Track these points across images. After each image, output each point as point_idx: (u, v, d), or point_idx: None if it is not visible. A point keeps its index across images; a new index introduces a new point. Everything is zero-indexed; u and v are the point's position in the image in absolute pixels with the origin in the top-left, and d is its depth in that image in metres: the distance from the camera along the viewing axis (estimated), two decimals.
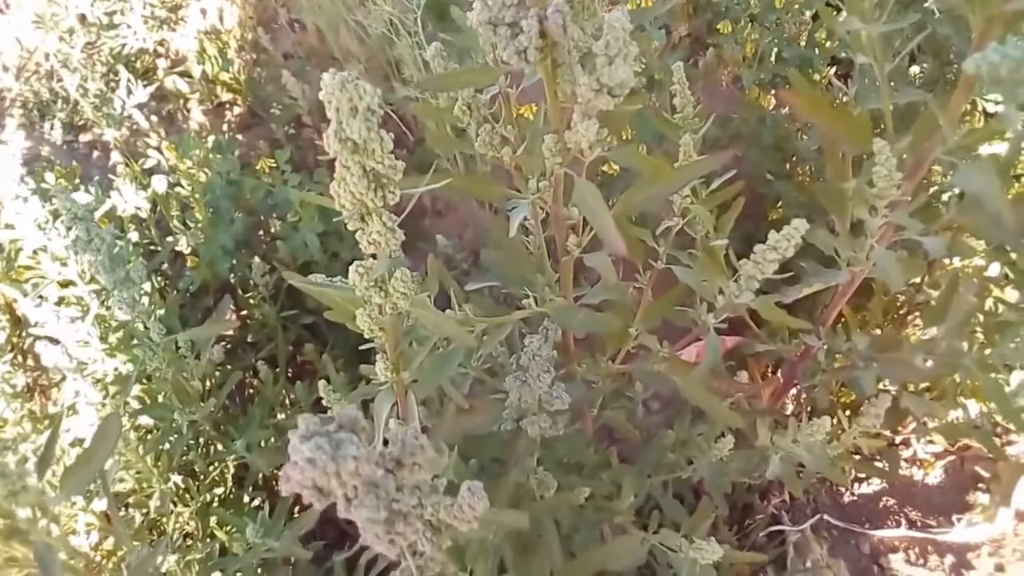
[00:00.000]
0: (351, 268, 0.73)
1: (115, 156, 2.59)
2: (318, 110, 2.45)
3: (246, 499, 1.68)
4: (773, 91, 2.12)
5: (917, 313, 1.85)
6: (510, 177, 1.02)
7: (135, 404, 1.56)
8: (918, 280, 1.79)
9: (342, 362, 1.75)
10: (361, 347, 2.00)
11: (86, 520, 1.48)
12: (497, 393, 1.21)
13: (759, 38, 2.02)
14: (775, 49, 2.04)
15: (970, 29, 1.44)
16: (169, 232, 2.07)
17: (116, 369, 1.53)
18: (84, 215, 1.12)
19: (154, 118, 2.59)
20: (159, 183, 1.97)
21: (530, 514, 0.89)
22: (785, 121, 2.02)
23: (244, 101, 2.75)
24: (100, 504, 1.49)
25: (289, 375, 2.02)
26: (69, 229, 1.28)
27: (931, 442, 1.92)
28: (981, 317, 1.41)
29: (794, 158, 2.03)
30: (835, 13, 1.20)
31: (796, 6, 2.02)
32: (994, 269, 1.69)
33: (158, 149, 2.20)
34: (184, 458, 1.58)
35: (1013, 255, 1.66)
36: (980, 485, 1.88)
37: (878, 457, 1.87)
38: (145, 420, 1.56)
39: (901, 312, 1.85)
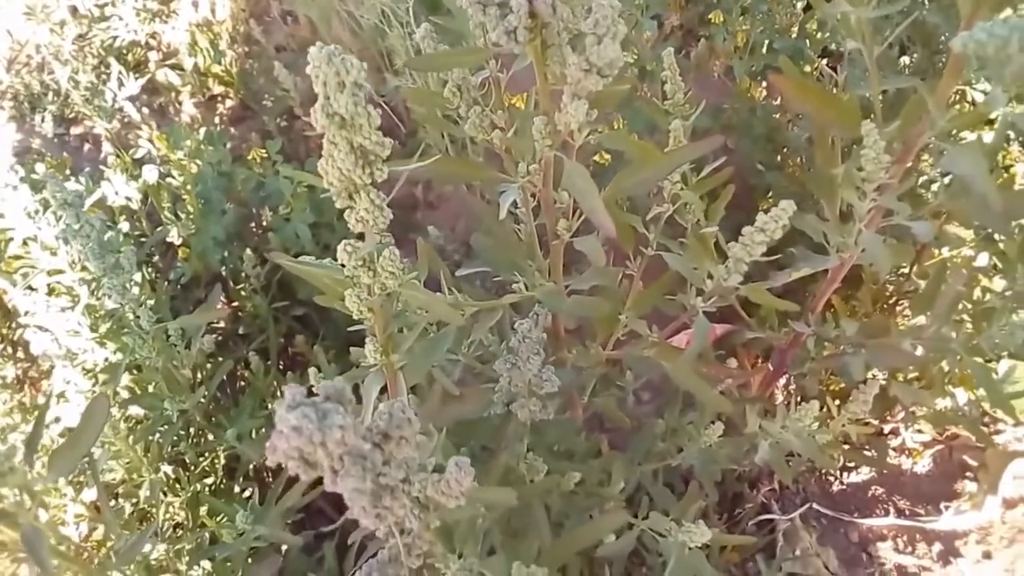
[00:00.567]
0: (339, 247, 0.73)
1: (106, 149, 2.58)
2: (310, 102, 2.44)
3: (236, 489, 1.68)
4: (763, 83, 2.13)
5: (905, 303, 1.86)
6: (501, 164, 1.02)
7: (125, 394, 1.55)
8: (906, 269, 1.80)
9: (333, 353, 1.75)
10: (352, 338, 2.00)
11: (75, 511, 1.48)
12: (488, 382, 1.22)
13: (751, 29, 2.03)
14: (767, 40, 2.04)
15: (960, 17, 1.46)
16: (160, 224, 2.07)
17: (106, 359, 1.52)
18: (73, 201, 1.12)
19: (145, 111, 2.58)
20: (150, 173, 1.97)
21: (520, 498, 0.90)
22: (776, 112, 2.03)
23: (236, 94, 2.74)
24: (89, 495, 1.49)
25: (280, 367, 2.01)
26: (59, 217, 1.28)
27: (919, 431, 1.93)
28: (968, 305, 1.42)
29: (785, 149, 2.04)
30: None
31: None
32: (982, 259, 1.70)
33: (149, 140, 2.20)
34: (174, 448, 1.58)
35: (1001, 245, 1.68)
36: (968, 474, 1.90)
37: (867, 446, 1.88)
38: (135, 410, 1.56)
39: (889, 301, 1.86)
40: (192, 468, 1.60)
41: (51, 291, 1.62)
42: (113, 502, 1.51)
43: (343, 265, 0.75)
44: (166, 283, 2.00)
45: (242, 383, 1.97)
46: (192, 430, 1.61)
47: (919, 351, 1.29)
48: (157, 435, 1.49)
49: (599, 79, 0.76)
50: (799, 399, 1.32)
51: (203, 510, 1.48)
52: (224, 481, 1.66)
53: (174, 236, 1.98)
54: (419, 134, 2.24)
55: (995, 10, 0.89)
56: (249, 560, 1.42)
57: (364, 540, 1.21)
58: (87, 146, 2.68)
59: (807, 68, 2.02)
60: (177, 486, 1.55)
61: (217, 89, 2.80)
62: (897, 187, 1.08)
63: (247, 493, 1.68)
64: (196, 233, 1.95)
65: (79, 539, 1.45)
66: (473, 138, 2.07)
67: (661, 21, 2.22)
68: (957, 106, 1.59)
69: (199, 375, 1.59)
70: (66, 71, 2.56)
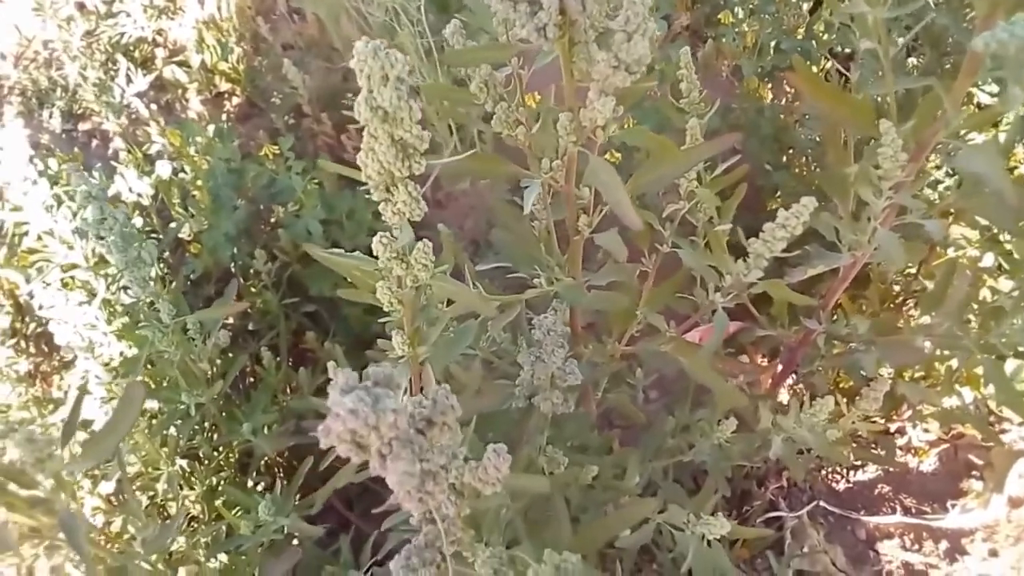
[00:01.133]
0: (375, 239, 0.74)
1: (114, 145, 2.59)
2: (318, 100, 2.45)
3: (250, 484, 1.69)
4: (770, 83, 2.15)
5: (912, 302, 1.88)
6: (519, 158, 1.03)
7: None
8: (914, 269, 1.82)
9: (343, 351, 1.76)
10: (362, 335, 2.00)
11: (92, 503, 1.49)
12: (502, 376, 1.23)
13: (759, 29, 2.04)
14: (774, 41, 2.06)
15: (967, 20, 1.47)
16: (170, 220, 2.08)
17: (121, 353, 1.53)
18: (98, 194, 1.13)
19: (153, 107, 2.59)
20: (163, 168, 1.98)
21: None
22: (783, 112, 2.04)
23: (243, 91, 2.75)
24: (106, 488, 1.50)
25: (290, 363, 2.03)
26: (79, 210, 1.29)
27: (926, 430, 1.95)
28: (975, 305, 1.44)
29: (791, 149, 2.05)
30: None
31: None
32: (988, 260, 1.72)
33: (162, 135, 2.21)
34: (189, 442, 1.59)
35: (1008, 245, 1.70)
36: (974, 472, 1.91)
37: (874, 444, 1.90)
38: (151, 404, 1.57)
39: (896, 300, 1.88)
40: (207, 462, 1.61)
41: (65, 285, 1.63)
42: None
43: (376, 257, 0.77)
44: (176, 279, 2.01)
45: (251, 379, 1.98)
46: (207, 424, 1.63)
47: (928, 346, 1.31)
48: (173, 429, 1.50)
49: (627, 75, 0.78)
50: (810, 396, 1.33)
51: (219, 503, 1.49)
52: (238, 475, 1.67)
53: (185, 232, 1.99)
54: (427, 131, 2.25)
55: (1012, 12, 0.91)
56: (263, 552, 1.43)
57: (380, 535, 1.23)
58: (95, 142, 2.69)
59: (814, 69, 2.04)
60: (192, 479, 1.56)
61: (224, 86, 2.81)
62: (912, 185, 1.09)
63: (260, 487, 1.69)
64: (208, 229, 1.96)
65: (96, 531, 1.46)
66: (482, 133, 2.09)
67: (670, 22, 2.23)
68: (965, 106, 1.61)
69: (213, 369, 1.60)
70: (74, 67, 2.57)
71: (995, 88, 1.65)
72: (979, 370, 1.70)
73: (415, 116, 0.62)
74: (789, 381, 1.90)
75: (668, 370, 1.20)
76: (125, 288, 1.39)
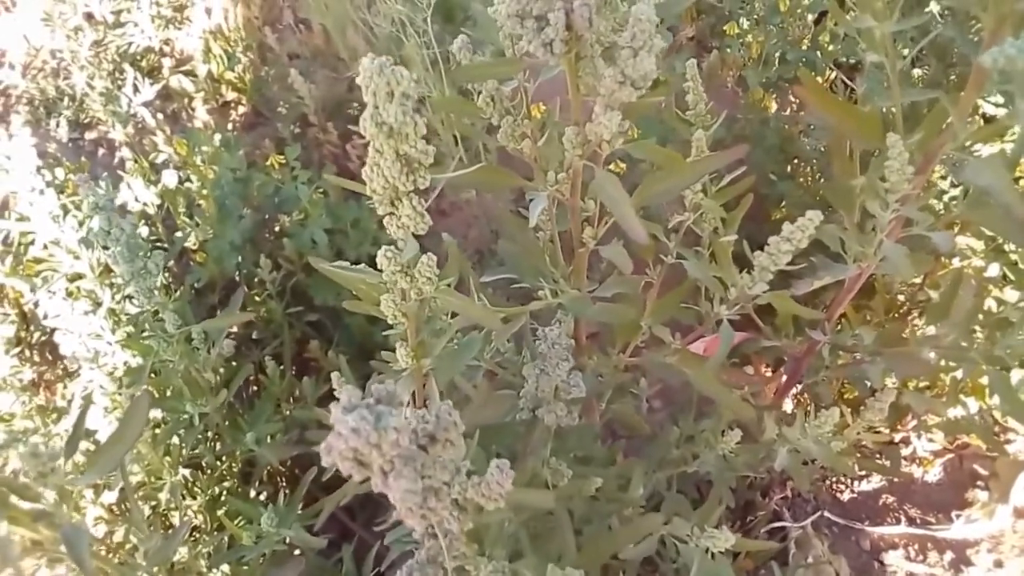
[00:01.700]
0: (380, 253, 0.74)
1: (121, 154, 2.60)
2: (324, 110, 2.46)
3: (252, 493, 1.69)
4: (776, 94, 2.15)
5: (917, 313, 1.87)
6: (523, 170, 1.03)
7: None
8: (919, 280, 1.82)
9: (346, 360, 1.76)
10: (365, 345, 2.00)
11: (95, 513, 1.49)
12: (506, 387, 1.23)
13: (764, 40, 2.05)
14: (779, 51, 2.06)
15: (973, 32, 1.47)
16: (176, 229, 2.08)
17: (126, 362, 1.53)
18: (105, 204, 1.13)
19: (160, 116, 2.60)
20: (169, 177, 1.98)
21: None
22: (788, 123, 2.04)
23: (249, 100, 2.76)
24: (108, 497, 1.50)
25: (294, 372, 2.03)
26: (85, 220, 1.29)
27: (931, 440, 1.94)
28: (981, 316, 1.43)
29: (796, 160, 2.05)
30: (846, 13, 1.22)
31: (799, 9, 2.04)
32: (993, 270, 1.72)
33: (168, 142, 2.21)
34: (192, 452, 1.59)
35: (1014, 256, 1.69)
36: (979, 483, 1.91)
37: (879, 455, 1.89)
38: (154, 413, 1.57)
39: (902, 311, 1.87)
40: (210, 471, 1.61)
41: (70, 294, 1.64)
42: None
43: (380, 270, 0.77)
44: (180, 288, 2.01)
45: (255, 388, 1.99)
46: (210, 434, 1.62)
47: (934, 357, 1.31)
48: (176, 438, 1.50)
49: (633, 91, 0.78)
50: (815, 407, 1.33)
51: (221, 513, 1.49)
52: (240, 485, 1.67)
53: (191, 241, 1.99)
54: (432, 141, 2.26)
55: (1019, 26, 0.91)
56: (266, 563, 1.43)
57: (383, 546, 1.22)
58: (101, 151, 2.70)
59: (819, 80, 2.04)
60: (195, 489, 1.56)
61: (230, 96, 2.82)
62: (918, 198, 1.09)
63: (262, 497, 1.69)
64: (213, 238, 1.96)
65: (99, 540, 1.46)
66: (486, 145, 2.09)
67: (674, 33, 2.24)
68: (970, 119, 1.61)
69: (217, 378, 1.60)
70: (82, 77, 2.58)
71: (1000, 100, 1.64)
72: (984, 381, 1.69)
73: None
74: (793, 391, 1.90)
75: (672, 380, 1.20)
76: (130, 298, 1.39)
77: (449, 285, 0.83)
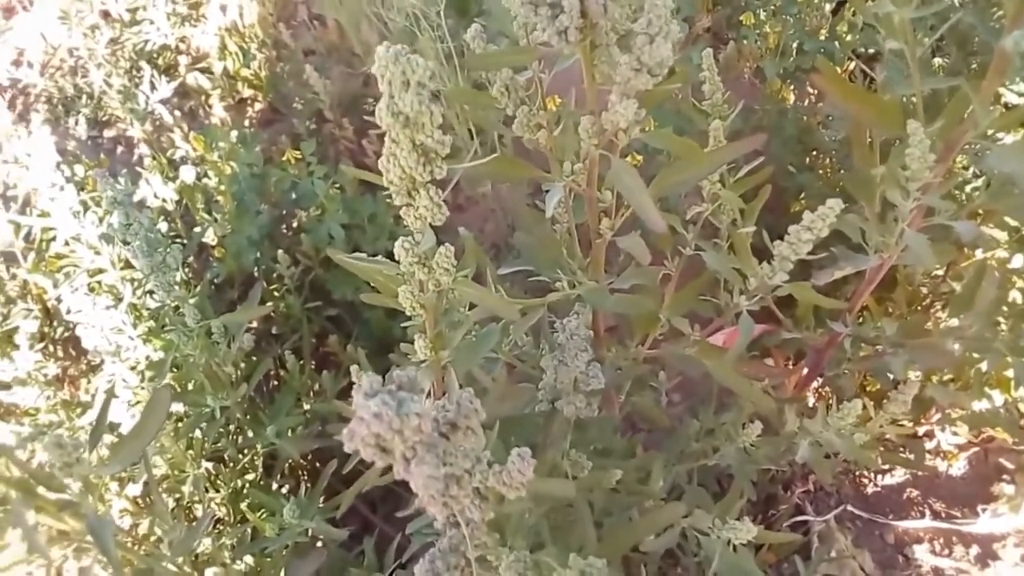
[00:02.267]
0: (397, 244, 0.74)
1: (139, 151, 2.62)
2: (339, 105, 2.47)
3: (274, 486, 1.70)
4: (793, 85, 2.13)
5: (940, 304, 1.85)
6: (539, 161, 1.03)
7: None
8: (941, 271, 1.79)
9: (365, 354, 1.77)
10: (384, 339, 2.01)
11: (120, 506, 1.51)
12: (524, 379, 1.23)
13: (781, 31, 2.03)
14: (796, 42, 2.04)
15: (994, 18, 1.45)
16: (193, 225, 2.10)
17: (147, 357, 1.55)
18: (123, 200, 1.14)
19: (177, 113, 2.62)
20: (188, 173, 2.00)
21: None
22: (806, 113, 2.02)
23: (265, 97, 2.78)
24: (133, 490, 1.52)
25: (313, 366, 2.04)
26: (105, 216, 1.30)
27: (955, 433, 1.92)
28: (1005, 307, 1.41)
29: (815, 150, 2.03)
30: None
31: None
32: (1017, 260, 1.69)
33: (185, 140, 2.23)
34: (214, 445, 1.60)
35: None
36: (1004, 476, 1.88)
37: (902, 448, 1.88)
38: (176, 407, 1.58)
39: (925, 302, 1.85)
40: (232, 464, 1.62)
41: (92, 289, 1.66)
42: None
43: (398, 262, 0.77)
44: (199, 283, 2.03)
45: (275, 382, 2.00)
46: (232, 427, 1.64)
47: (958, 349, 1.29)
48: (199, 431, 1.51)
49: (649, 78, 0.77)
50: (836, 399, 1.32)
51: (244, 505, 1.50)
52: (262, 478, 1.69)
53: (209, 236, 2.01)
54: (447, 134, 2.26)
55: None
56: (288, 554, 1.44)
57: (404, 538, 1.23)
58: (120, 148, 2.72)
59: (838, 70, 2.01)
60: (218, 482, 1.57)
61: (246, 92, 2.84)
62: (940, 187, 1.08)
63: (284, 490, 1.70)
64: (231, 233, 1.98)
65: (124, 532, 1.48)
66: (502, 137, 2.08)
67: (690, 24, 2.22)
68: (993, 106, 1.59)
69: (237, 372, 1.62)
70: (100, 75, 2.61)
71: (1023, 87, 1.62)
72: (1009, 373, 1.67)
73: (436, 121, 0.62)
74: (815, 384, 1.88)
75: (691, 372, 1.19)
76: (151, 292, 1.40)
77: (466, 276, 0.83)
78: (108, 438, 1.49)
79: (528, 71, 0.96)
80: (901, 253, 1.15)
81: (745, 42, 2.17)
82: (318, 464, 1.84)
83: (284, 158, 2.15)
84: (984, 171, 1.59)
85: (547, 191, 0.97)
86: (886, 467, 1.91)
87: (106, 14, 2.82)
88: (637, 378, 1.45)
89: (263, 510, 1.46)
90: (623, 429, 1.81)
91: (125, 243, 1.22)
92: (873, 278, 1.30)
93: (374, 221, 2.07)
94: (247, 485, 1.61)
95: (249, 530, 1.43)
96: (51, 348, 1.84)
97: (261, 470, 1.68)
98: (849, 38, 2.04)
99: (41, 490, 0.78)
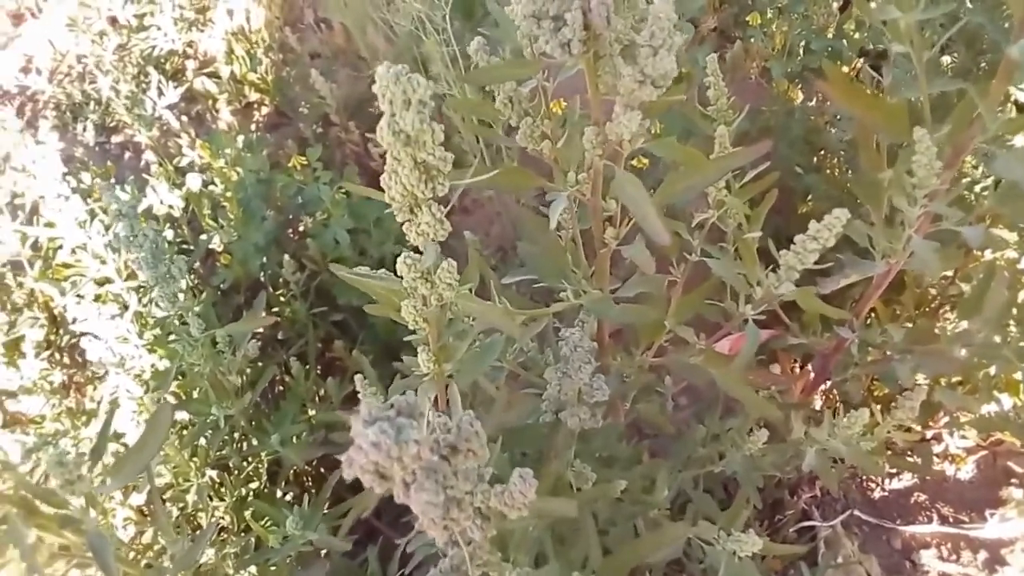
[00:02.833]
0: (399, 260, 0.74)
1: (146, 157, 2.63)
2: (346, 109, 2.47)
3: (279, 494, 1.70)
4: (801, 85, 2.12)
5: (949, 307, 1.83)
6: (543, 170, 1.02)
7: (171, 400, 1.58)
8: (949, 274, 1.78)
9: (371, 359, 1.77)
10: (390, 344, 2.00)
11: (124, 515, 1.51)
12: (529, 388, 1.22)
13: (788, 30, 2.01)
14: (804, 41, 2.03)
15: (1003, 18, 1.43)
16: (200, 231, 2.10)
17: (152, 365, 1.55)
18: (128, 211, 1.14)
19: (184, 119, 2.62)
20: (194, 181, 2.00)
21: None
22: (814, 114, 2.01)
23: (272, 101, 2.78)
24: (137, 499, 1.52)
25: (318, 372, 2.04)
26: (110, 226, 1.30)
27: (963, 437, 1.91)
28: (1014, 311, 1.40)
29: (823, 152, 2.02)
30: (869, 1, 1.20)
31: None
32: None
33: (192, 146, 2.23)
34: (219, 453, 1.60)
35: None
36: (1013, 480, 1.87)
37: (910, 452, 1.86)
38: (181, 416, 1.58)
39: (932, 306, 1.84)
40: (236, 473, 1.62)
41: (98, 298, 1.66)
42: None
43: (400, 277, 0.76)
44: (205, 290, 2.03)
45: (280, 388, 2.00)
46: (236, 435, 1.64)
47: (965, 355, 1.28)
48: (203, 440, 1.51)
49: (653, 90, 0.76)
50: (844, 405, 1.31)
51: (248, 514, 1.50)
52: (267, 486, 1.68)
53: (216, 243, 2.01)
54: (453, 139, 2.25)
55: None
56: (292, 564, 1.44)
57: (408, 548, 1.22)
58: (127, 154, 2.73)
59: (845, 69, 2.00)
60: (222, 490, 1.57)
61: (253, 96, 2.84)
62: (947, 193, 1.07)
63: (288, 498, 1.70)
64: (238, 240, 1.98)
65: (127, 542, 1.48)
66: (508, 146, 2.08)
67: (696, 24, 2.21)
68: (1001, 109, 1.57)
69: (242, 380, 1.62)
70: (107, 81, 2.61)
71: None
72: (1018, 376, 1.66)
73: (438, 139, 0.62)
74: (822, 389, 1.87)
75: (697, 378, 1.18)
76: (156, 301, 1.40)
77: (470, 290, 0.82)
78: (113, 446, 1.49)
79: (532, 81, 0.95)
80: (908, 259, 1.14)
81: (752, 41, 2.16)
82: (323, 471, 1.84)
83: (290, 163, 2.15)
84: (993, 174, 1.58)
85: (551, 200, 0.97)
86: (893, 471, 1.90)
87: (114, 20, 2.82)
88: (643, 386, 1.44)
89: (267, 519, 1.46)
90: (629, 436, 1.80)
91: (130, 254, 1.22)
92: (880, 283, 1.28)
93: (380, 226, 2.07)
94: (251, 493, 1.60)
95: (253, 540, 1.43)
96: (57, 356, 1.84)
97: (265, 478, 1.68)
98: (857, 36, 2.03)
99: (43, 506, 0.78)
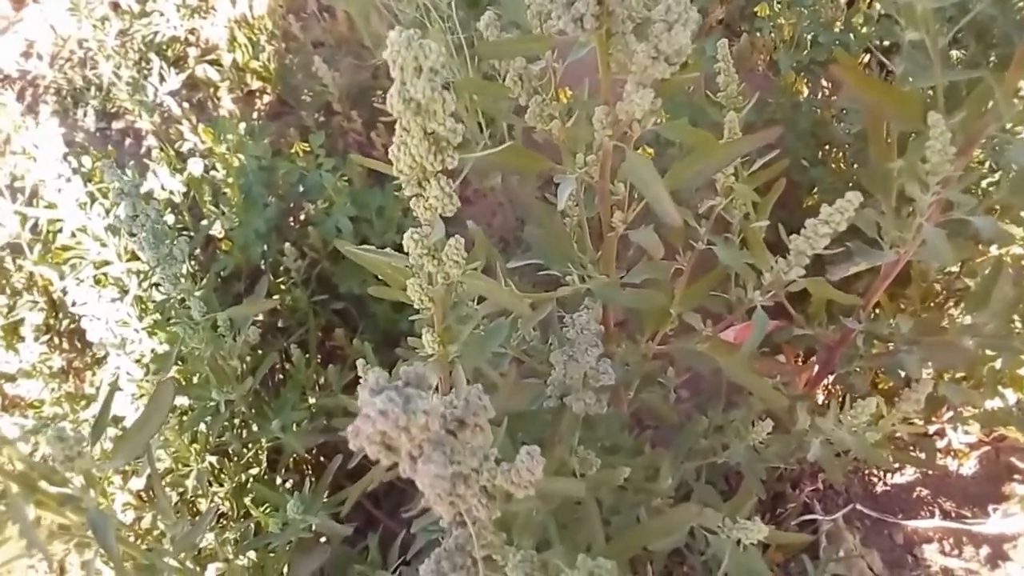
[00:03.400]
0: (406, 235, 0.73)
1: (147, 143, 2.61)
2: (348, 97, 2.45)
3: (279, 481, 1.69)
4: (808, 78, 2.10)
5: (955, 301, 1.83)
6: (550, 153, 1.01)
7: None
8: (956, 268, 1.77)
9: (371, 347, 1.76)
10: (390, 332, 1.99)
11: (123, 499, 1.50)
12: (533, 375, 1.21)
13: (795, 22, 2.00)
14: (811, 34, 2.02)
15: (1016, 10, 1.42)
16: (201, 217, 2.09)
17: (152, 349, 1.54)
18: (130, 191, 1.13)
19: (185, 105, 2.60)
20: (195, 166, 1.98)
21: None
22: (820, 106, 2.00)
23: (274, 89, 2.76)
24: (137, 483, 1.51)
25: (319, 360, 2.03)
26: (112, 207, 1.29)
27: (967, 432, 1.90)
28: (1021, 305, 1.39)
29: (829, 144, 2.01)
30: None
31: None
32: None
33: (194, 132, 2.22)
34: (219, 438, 1.59)
35: None
36: (1016, 476, 1.86)
37: (913, 447, 1.85)
38: (181, 400, 1.57)
39: (939, 299, 1.83)
40: (236, 459, 1.61)
41: (98, 282, 1.65)
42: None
43: (406, 253, 0.75)
44: (205, 276, 2.01)
45: (280, 375, 1.99)
46: (236, 421, 1.63)
47: (972, 347, 1.27)
48: (203, 425, 1.50)
49: (667, 67, 0.75)
50: (848, 397, 1.30)
51: (248, 500, 1.49)
52: (266, 472, 1.67)
53: (217, 229, 1.99)
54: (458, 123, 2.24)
55: None
56: (291, 550, 1.43)
57: (408, 535, 1.21)
58: (128, 140, 2.71)
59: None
60: (222, 476, 1.56)
61: (255, 84, 2.82)
62: (959, 181, 1.06)
63: (288, 485, 1.69)
64: (239, 226, 1.97)
65: (127, 526, 1.47)
66: (512, 128, 2.06)
67: (704, 15, 2.20)
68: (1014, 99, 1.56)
69: (243, 366, 1.60)
70: (108, 66, 2.59)
71: None
72: (1023, 371, 1.65)
73: (448, 108, 0.60)
74: (826, 381, 1.86)
75: (701, 369, 1.17)
76: (157, 285, 1.39)
77: (476, 270, 0.81)
78: (112, 431, 1.48)
79: (541, 60, 0.94)
80: (918, 248, 1.13)
81: (759, 34, 2.14)
82: (323, 459, 1.83)
83: (292, 150, 2.13)
84: (1001, 165, 1.57)
85: (558, 183, 0.96)
86: (896, 466, 1.89)
87: (116, 6, 2.80)
88: (647, 374, 1.43)
89: (267, 505, 1.45)
90: (632, 425, 1.79)
91: (131, 235, 1.20)
92: (888, 273, 1.27)
93: (382, 214, 2.06)
94: (251, 479, 1.59)
95: (253, 525, 1.42)
96: (56, 340, 1.83)
97: (265, 464, 1.67)
98: (865, 30, 2.02)
99: (43, 484, 0.77)
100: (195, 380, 1.54)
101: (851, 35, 1.99)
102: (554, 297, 1.02)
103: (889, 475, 1.90)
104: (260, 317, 2.01)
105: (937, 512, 1.83)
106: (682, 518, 0.93)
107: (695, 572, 1.59)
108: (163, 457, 1.50)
